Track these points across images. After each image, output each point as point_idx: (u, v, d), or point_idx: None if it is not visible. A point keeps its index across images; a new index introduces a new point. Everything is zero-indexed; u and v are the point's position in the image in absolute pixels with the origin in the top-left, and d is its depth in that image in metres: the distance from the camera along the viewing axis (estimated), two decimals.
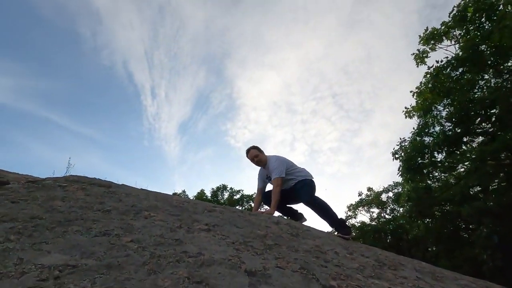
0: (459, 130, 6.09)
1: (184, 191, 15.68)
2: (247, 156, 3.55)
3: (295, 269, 1.07)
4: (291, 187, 3.29)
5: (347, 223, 3.00)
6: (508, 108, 5.14)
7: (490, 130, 5.70)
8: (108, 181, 2.67)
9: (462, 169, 8.09)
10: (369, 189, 19.90)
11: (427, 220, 11.37)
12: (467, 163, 6.28)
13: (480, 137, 5.94)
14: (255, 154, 3.37)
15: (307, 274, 1.04)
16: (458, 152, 6.39)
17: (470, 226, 7.96)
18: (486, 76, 6.63)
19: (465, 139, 6.33)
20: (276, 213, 3.18)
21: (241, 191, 14.92)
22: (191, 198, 15.49)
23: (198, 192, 15.69)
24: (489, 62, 5.42)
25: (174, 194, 15.70)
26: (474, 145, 6.11)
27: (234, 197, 14.98)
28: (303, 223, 3.10)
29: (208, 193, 15.63)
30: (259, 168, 3.46)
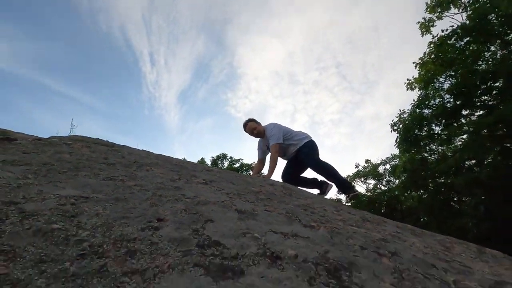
0: (458, 103, 6.09)
1: (184, 159, 15.98)
2: (244, 130, 3.52)
3: (281, 212, 1.20)
4: (294, 156, 3.31)
5: (351, 183, 3.09)
6: (510, 80, 5.10)
7: (490, 103, 5.71)
8: (111, 142, 2.78)
9: (459, 143, 8.20)
10: (367, 161, 20.18)
11: (421, 191, 11.66)
12: (464, 136, 6.36)
13: (480, 111, 5.95)
14: (253, 127, 3.37)
15: (292, 217, 1.17)
16: (456, 125, 6.45)
17: (462, 198, 8.24)
18: (493, 48, 6.47)
19: (464, 112, 6.35)
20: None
21: (240, 160, 15.22)
22: None
23: (198, 161, 16.00)
24: (496, 32, 5.27)
25: None
26: (473, 118, 6.15)
27: (234, 165, 15.30)
28: (328, 190, 3.15)
29: (208, 162, 15.95)
30: (258, 139, 3.46)
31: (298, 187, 3.02)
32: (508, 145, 5.31)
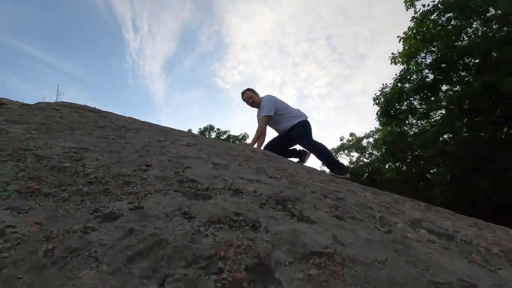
0: (437, 78, 6.34)
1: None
2: (242, 98, 3.54)
3: (252, 167, 1.42)
4: (286, 132, 3.34)
5: (343, 164, 3.10)
6: (485, 56, 5.35)
7: (466, 79, 5.98)
8: (98, 109, 2.88)
9: (439, 117, 8.60)
10: (351, 134, 20.69)
11: (399, 163, 12.20)
12: (441, 110, 6.71)
13: (458, 86, 6.24)
14: (249, 96, 3.39)
15: (260, 171, 1.39)
16: (434, 99, 6.76)
17: (435, 170, 8.83)
18: (475, 25, 6.63)
19: (444, 88, 6.63)
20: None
21: (228, 132, 15.38)
22: None
23: (185, 132, 16.05)
24: (477, 9, 5.40)
25: None
26: (451, 93, 6.46)
27: (221, 137, 15.47)
28: (307, 158, 3.31)
29: (196, 133, 16.04)
30: (254, 110, 3.46)
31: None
32: (477, 118, 5.69)
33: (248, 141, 3.58)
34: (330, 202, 1.11)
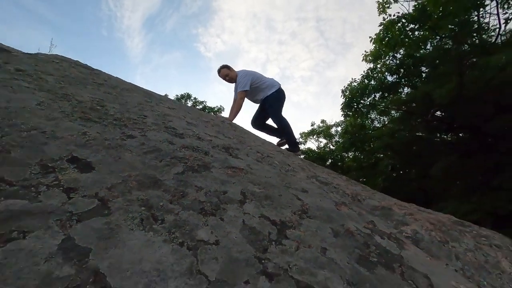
0: (396, 80, 7.18)
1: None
2: (219, 75, 3.63)
3: (214, 129, 2.01)
4: (261, 103, 3.52)
5: (298, 144, 3.42)
6: (434, 67, 6.21)
7: (416, 84, 6.89)
8: (90, 66, 3.25)
9: (398, 114, 9.61)
10: (323, 121, 21.69)
11: (358, 152, 13.33)
12: (393, 110, 7.66)
13: (410, 89, 7.16)
14: (225, 73, 3.51)
15: (219, 132, 1.98)
16: (390, 99, 7.66)
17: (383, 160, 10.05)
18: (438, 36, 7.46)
19: (405, 90, 7.52)
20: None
21: (204, 102, 15.62)
22: None
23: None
24: (433, 25, 6.15)
25: None
26: (403, 95, 7.40)
27: (197, 106, 15.68)
28: (284, 144, 3.43)
29: (172, 98, 16.07)
30: (231, 84, 3.56)
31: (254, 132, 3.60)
32: (417, 121, 6.69)
33: (225, 115, 3.93)
34: (259, 155, 1.74)
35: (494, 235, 1.71)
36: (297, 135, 24.57)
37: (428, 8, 5.28)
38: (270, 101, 3.37)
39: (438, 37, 7.25)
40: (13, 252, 0.51)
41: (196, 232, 0.74)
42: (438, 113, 6.01)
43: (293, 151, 3.21)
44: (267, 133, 3.70)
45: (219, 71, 3.58)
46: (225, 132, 2.14)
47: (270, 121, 3.70)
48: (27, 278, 0.48)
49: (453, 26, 5.10)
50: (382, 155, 8.59)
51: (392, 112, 9.61)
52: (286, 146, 3.42)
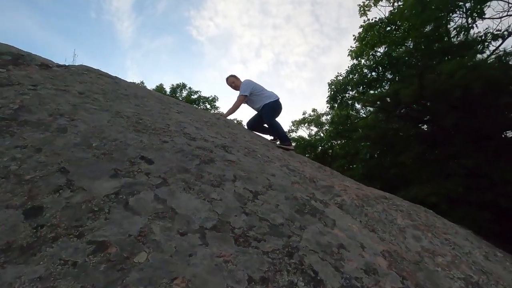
0: (374, 77, 7.92)
1: (142, 82, 16.25)
2: (226, 82, 4.13)
3: (214, 130, 2.73)
4: (260, 111, 3.93)
5: (289, 140, 3.81)
6: (407, 67, 6.96)
7: (391, 81, 7.66)
8: (108, 73, 3.89)
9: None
10: (314, 110, 22.40)
11: (345, 141, 14.13)
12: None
13: (386, 86, 7.95)
14: (232, 81, 4.04)
15: (218, 133, 2.71)
16: (368, 94, 8.43)
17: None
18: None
19: (377, 86, 8.28)
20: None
21: (199, 92, 16.16)
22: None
23: (157, 86, 16.44)
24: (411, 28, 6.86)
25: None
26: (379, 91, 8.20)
27: (192, 96, 16.20)
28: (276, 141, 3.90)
29: (167, 89, 16.51)
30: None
31: (249, 130, 4.10)
32: (390, 116, 7.52)
33: (221, 111, 4.63)
34: (246, 150, 2.48)
35: (405, 204, 2.51)
36: (289, 123, 25.12)
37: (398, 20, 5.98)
38: (267, 108, 3.86)
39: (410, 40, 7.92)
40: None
41: (210, 194, 1.48)
42: (409, 108, 6.85)
43: (285, 145, 3.69)
44: (260, 132, 4.22)
45: (227, 79, 4.11)
46: (222, 132, 2.86)
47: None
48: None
49: (418, 36, 5.84)
50: (362, 144, 9.40)
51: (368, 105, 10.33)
52: (278, 142, 3.91)
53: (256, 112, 4.15)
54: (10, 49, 3.32)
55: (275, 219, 1.47)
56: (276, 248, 1.23)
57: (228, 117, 4.15)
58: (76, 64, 3.91)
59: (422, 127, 6.89)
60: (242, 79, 4.07)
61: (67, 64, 3.86)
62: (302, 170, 2.67)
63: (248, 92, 3.86)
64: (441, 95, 4.96)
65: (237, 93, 4.12)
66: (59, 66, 3.29)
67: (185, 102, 4.53)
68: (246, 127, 4.37)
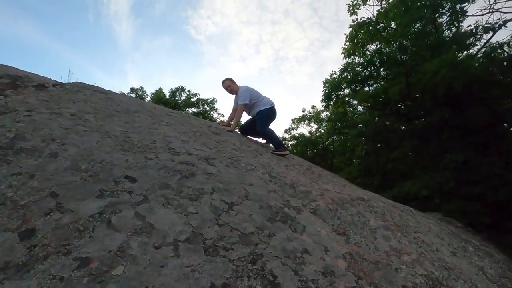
0: (366, 75, 8.03)
1: (142, 87, 16.47)
2: (222, 85, 4.17)
3: (201, 142, 2.90)
4: (254, 116, 4.00)
5: (284, 145, 3.92)
6: (397, 66, 7.06)
7: (383, 79, 7.75)
8: (102, 88, 4.07)
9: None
10: (313, 107, 22.48)
11: (343, 137, 14.25)
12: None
13: (378, 84, 8.05)
14: (228, 85, 4.09)
15: (204, 144, 2.87)
16: (363, 91, 8.54)
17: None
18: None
19: (370, 84, 8.39)
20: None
21: (198, 95, 16.36)
22: (149, 94, 16.46)
23: (156, 90, 16.65)
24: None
25: (132, 89, 16.48)
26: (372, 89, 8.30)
27: (191, 99, 16.40)
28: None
29: (167, 93, 16.71)
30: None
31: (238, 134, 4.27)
32: (381, 113, 7.63)
33: (225, 119, 4.56)
34: (230, 160, 2.65)
35: (381, 205, 2.67)
36: (289, 121, 25.24)
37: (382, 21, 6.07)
38: (261, 115, 3.96)
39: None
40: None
41: (187, 208, 1.65)
42: (399, 105, 6.95)
43: (279, 151, 3.80)
44: (253, 136, 4.34)
45: (223, 82, 4.17)
46: (208, 143, 3.03)
47: None
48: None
49: (405, 35, 5.93)
50: (358, 141, 9.51)
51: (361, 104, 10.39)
52: (272, 147, 4.06)
53: (250, 117, 4.28)
54: (8, 71, 3.51)
55: (246, 228, 1.64)
56: (242, 256, 1.40)
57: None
58: (72, 81, 4.10)
59: (413, 123, 6.99)
60: (238, 83, 4.14)
61: (63, 82, 4.05)
62: (285, 176, 2.83)
63: (248, 100, 3.92)
64: (427, 93, 5.06)
65: (233, 96, 4.23)
66: (55, 85, 3.47)
67: (178, 112, 4.68)
68: (239, 131, 4.51)
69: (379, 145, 8.01)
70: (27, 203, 1.36)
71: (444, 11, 5.56)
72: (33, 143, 1.80)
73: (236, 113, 4.08)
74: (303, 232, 1.79)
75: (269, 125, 4.12)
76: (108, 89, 4.26)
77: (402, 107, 6.92)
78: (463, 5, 5.42)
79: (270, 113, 4.01)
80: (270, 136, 4.03)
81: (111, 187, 1.62)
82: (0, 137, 1.77)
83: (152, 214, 1.51)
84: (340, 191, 2.89)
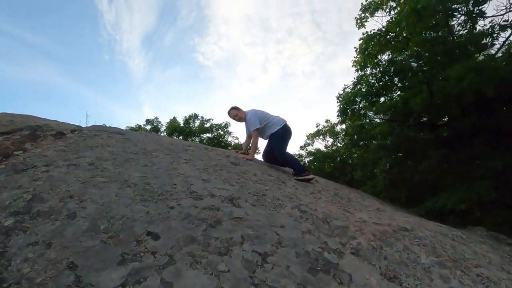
0: (381, 86, 7.79)
1: (156, 118, 16.85)
2: (229, 115, 4.07)
3: (222, 178, 2.75)
4: (268, 141, 3.87)
5: (307, 169, 3.67)
6: (413, 75, 6.81)
7: (401, 89, 7.47)
8: (119, 129, 4.06)
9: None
10: (327, 120, 22.16)
11: (362, 150, 13.83)
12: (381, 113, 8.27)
13: (394, 94, 7.76)
14: (234, 114, 3.98)
15: (226, 180, 2.72)
16: (379, 103, 8.27)
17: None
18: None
19: (387, 94, 8.12)
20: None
21: (211, 120, 16.54)
22: (164, 124, 16.77)
23: (170, 120, 16.98)
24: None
25: (147, 121, 16.88)
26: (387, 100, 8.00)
27: (205, 125, 16.57)
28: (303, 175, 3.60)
29: (181, 121, 16.99)
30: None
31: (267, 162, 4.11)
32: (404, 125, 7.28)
33: (240, 141, 4.62)
34: (255, 198, 2.47)
35: (428, 235, 2.38)
36: (303, 137, 25.05)
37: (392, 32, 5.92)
38: (275, 138, 3.80)
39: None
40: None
41: (217, 266, 1.47)
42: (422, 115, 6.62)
43: (303, 176, 3.58)
44: (277, 165, 4.14)
45: (228, 112, 4.07)
46: (230, 178, 2.87)
47: None
48: None
49: (420, 43, 5.73)
50: (380, 153, 9.11)
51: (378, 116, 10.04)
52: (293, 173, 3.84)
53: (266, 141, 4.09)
54: (28, 122, 3.56)
55: (286, 286, 1.43)
56: None
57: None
58: (90, 124, 4.12)
59: (439, 132, 6.60)
60: (246, 106, 4.19)
61: (81, 125, 4.08)
62: (315, 208, 2.61)
63: (259, 124, 3.78)
64: (453, 100, 4.78)
65: (242, 124, 4.08)
66: (73, 130, 3.48)
67: (195, 143, 4.59)
68: (262, 159, 4.33)
69: (401, 156, 7.61)
70: (43, 280, 1.22)
71: (459, 15, 5.37)
72: (51, 203, 1.70)
73: (252, 140, 3.94)
74: (350, 284, 1.56)
75: (286, 146, 3.92)
76: (124, 128, 4.25)
77: (424, 116, 6.59)
78: (480, 7, 5.21)
79: (283, 133, 3.83)
80: (290, 161, 3.84)
81: (133, 248, 1.47)
82: (17, 200, 1.69)
83: (180, 278, 1.33)
84: (378, 220, 2.62)
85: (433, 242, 2.26)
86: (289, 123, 3.97)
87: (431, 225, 2.90)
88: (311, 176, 3.72)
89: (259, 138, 4.00)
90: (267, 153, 4.11)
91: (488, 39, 6.39)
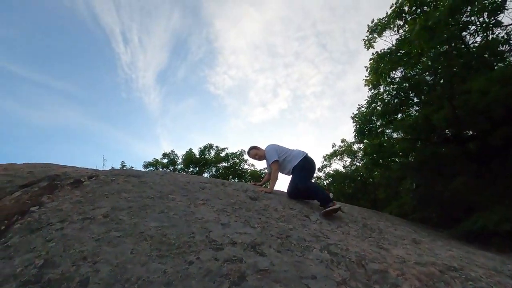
0: (398, 103, 7.58)
1: (173, 151, 17.11)
2: (249, 156, 4.08)
3: (241, 220, 2.59)
4: (291, 176, 3.74)
5: (331, 198, 3.39)
6: (430, 90, 6.59)
7: (418, 105, 7.22)
8: (135, 171, 4.03)
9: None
10: (343, 140, 21.78)
11: (383, 169, 13.30)
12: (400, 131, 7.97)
13: (413, 111, 7.50)
14: (254, 154, 3.99)
15: (246, 222, 2.55)
16: (398, 121, 8.00)
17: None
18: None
19: (404, 111, 7.87)
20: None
21: (226, 149, 16.60)
22: (180, 156, 16.96)
23: (186, 151, 17.19)
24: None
25: (164, 154, 17.18)
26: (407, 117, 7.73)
27: (220, 154, 16.62)
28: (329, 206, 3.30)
29: (196, 152, 17.16)
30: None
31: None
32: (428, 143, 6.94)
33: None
34: (280, 241, 2.27)
35: (482, 275, 2.07)
36: (321, 158, 24.59)
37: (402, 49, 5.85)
38: (297, 171, 3.66)
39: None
40: None
41: None
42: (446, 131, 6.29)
43: (329, 207, 3.33)
44: (305, 199, 3.88)
45: (248, 153, 4.09)
46: (250, 219, 2.70)
47: None
48: None
49: (434, 59, 5.60)
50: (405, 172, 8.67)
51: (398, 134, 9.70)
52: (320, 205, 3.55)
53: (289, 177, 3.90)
54: (47, 172, 3.59)
55: None
56: None
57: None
58: (107, 168, 4.13)
59: (467, 147, 6.21)
60: (264, 143, 4.07)
61: (99, 169, 4.08)
62: (346, 247, 2.37)
63: (277, 156, 3.73)
64: (478, 113, 4.50)
65: (263, 162, 4.02)
66: (90, 177, 3.47)
67: (212, 180, 4.47)
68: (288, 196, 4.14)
69: (428, 173, 7.16)
70: None
71: (475, 26, 5.23)
72: (63, 268, 1.59)
73: (272, 173, 3.82)
74: None
75: (310, 178, 3.78)
76: (142, 162, 4.20)
77: (448, 132, 6.26)
78: (496, 16, 5.06)
79: (305, 165, 3.71)
80: (315, 192, 3.57)
81: None
82: (29, 266, 1.59)
83: None
84: (419, 258, 2.34)
85: (490, 285, 1.95)
86: (310, 155, 3.83)
87: (481, 259, 2.57)
88: (337, 205, 3.48)
89: (281, 173, 3.86)
90: (290, 190, 3.86)
91: (505, 46, 6.16)
